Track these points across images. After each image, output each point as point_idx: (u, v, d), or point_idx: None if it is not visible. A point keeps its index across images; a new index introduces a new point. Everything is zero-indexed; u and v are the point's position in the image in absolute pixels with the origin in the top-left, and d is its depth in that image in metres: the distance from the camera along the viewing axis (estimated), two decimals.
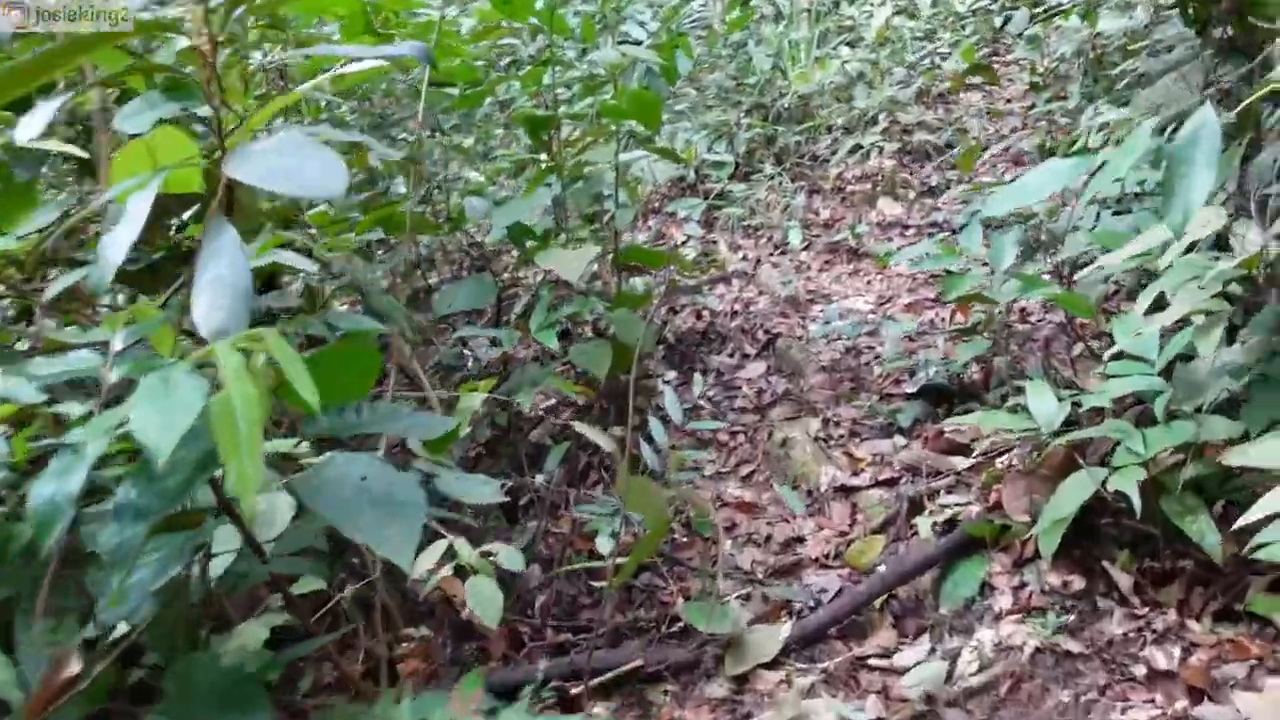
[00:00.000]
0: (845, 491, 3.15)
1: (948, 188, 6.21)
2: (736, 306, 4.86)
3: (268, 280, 2.88)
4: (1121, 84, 5.34)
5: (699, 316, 4.74)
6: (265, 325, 1.40)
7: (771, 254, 5.70)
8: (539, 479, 3.10)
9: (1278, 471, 1.84)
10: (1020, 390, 2.97)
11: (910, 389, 3.71)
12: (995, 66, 8.18)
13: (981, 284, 3.02)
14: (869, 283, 5.02)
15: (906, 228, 5.72)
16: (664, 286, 4.42)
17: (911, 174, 6.57)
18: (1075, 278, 3.09)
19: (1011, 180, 3.73)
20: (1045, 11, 8.17)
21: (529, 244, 3.32)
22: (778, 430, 3.52)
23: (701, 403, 3.93)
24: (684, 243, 6.02)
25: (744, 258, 5.73)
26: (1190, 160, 1.75)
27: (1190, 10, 3.34)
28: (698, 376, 3.91)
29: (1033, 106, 6.25)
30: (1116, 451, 2.44)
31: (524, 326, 3.23)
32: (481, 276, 3.30)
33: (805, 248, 5.61)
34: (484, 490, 2.13)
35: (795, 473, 3.32)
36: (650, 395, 3.87)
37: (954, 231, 5.48)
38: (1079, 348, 3.22)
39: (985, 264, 3.15)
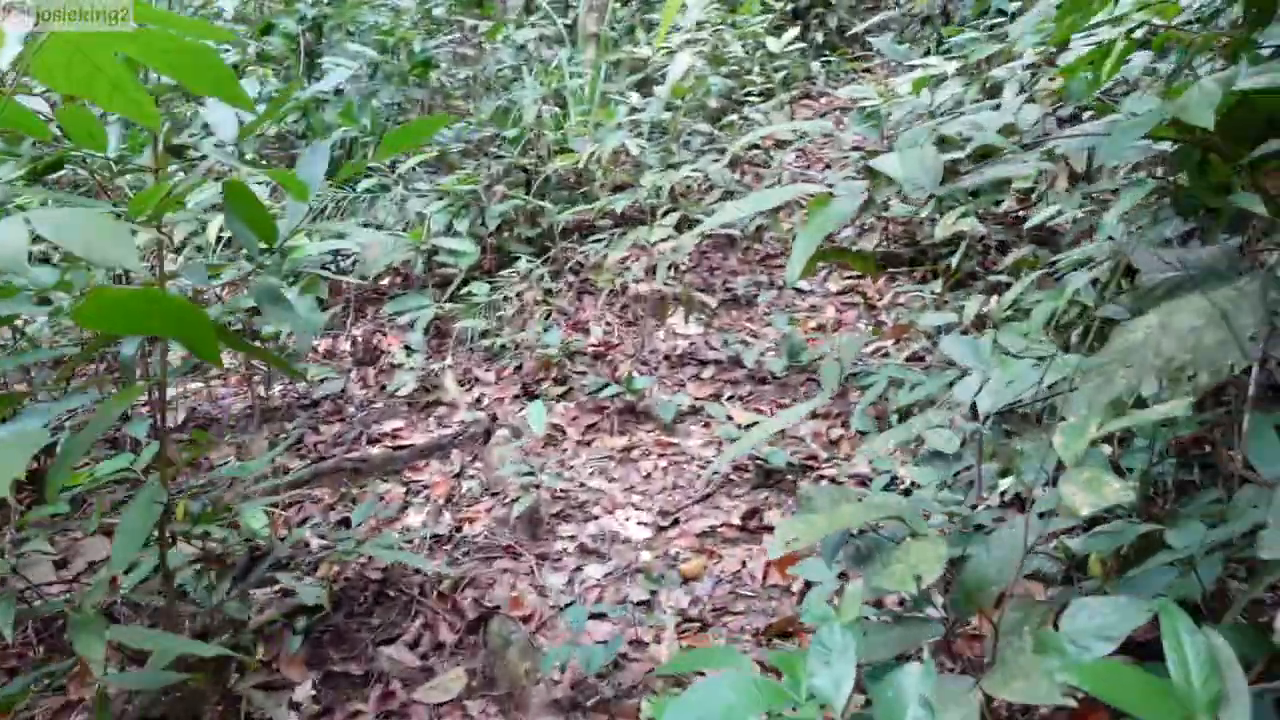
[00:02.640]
0: None
1: (753, 297, 4.60)
2: (444, 523, 3.05)
3: None
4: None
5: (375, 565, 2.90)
6: None
7: (517, 396, 3.92)
8: None
9: None
10: None
11: None
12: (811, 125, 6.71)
13: None
14: (648, 475, 3.32)
15: (704, 364, 4.06)
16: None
17: (713, 269, 4.95)
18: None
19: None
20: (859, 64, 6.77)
21: None
22: None
23: None
24: (400, 365, 4.16)
25: (478, 400, 3.93)
26: None
27: (1200, 172, 1.78)
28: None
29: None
30: None
31: None
32: None
33: (563, 394, 3.86)
34: None
35: None
36: None
37: (764, 381, 3.87)
38: None
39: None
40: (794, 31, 6.99)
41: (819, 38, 8.71)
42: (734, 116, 6.09)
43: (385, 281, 5.04)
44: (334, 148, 5.59)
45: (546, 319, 4.37)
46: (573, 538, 2.96)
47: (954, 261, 3.81)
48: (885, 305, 4.39)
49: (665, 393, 3.81)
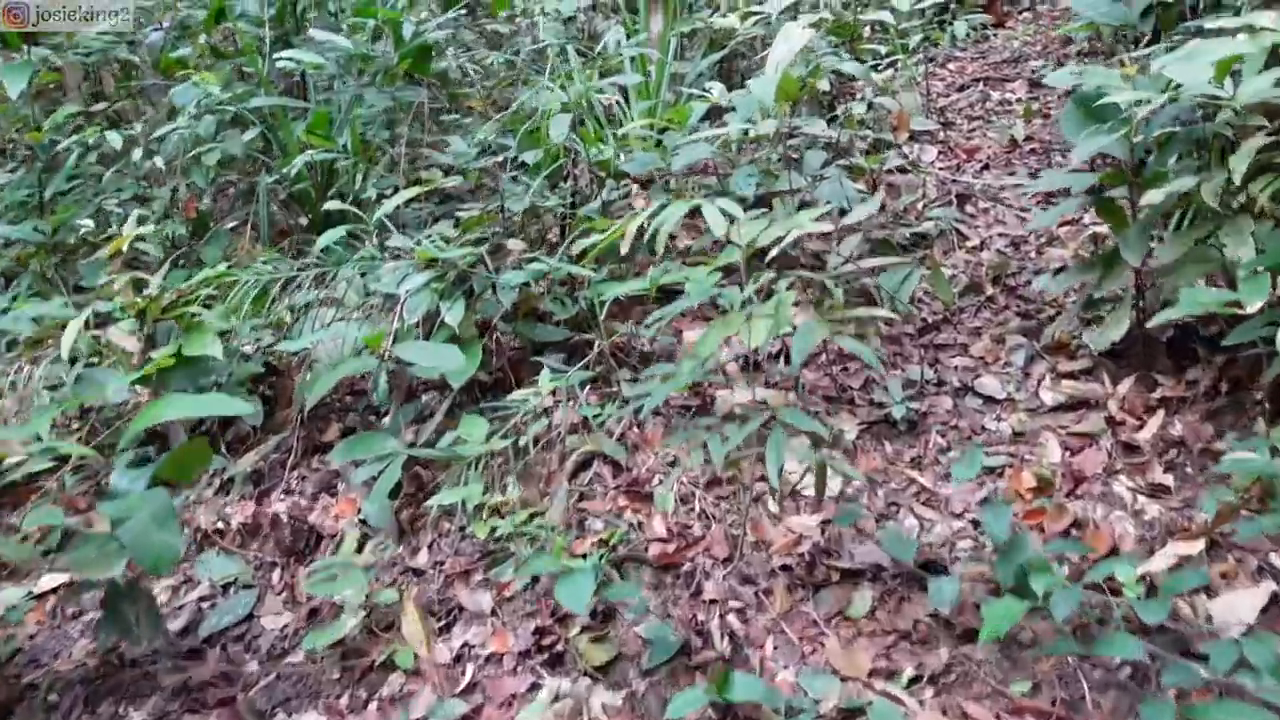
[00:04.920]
0: None
1: (916, 416, 2.77)
2: None
3: None
4: None
5: None
6: None
7: (524, 654, 2.17)
8: None
9: None
10: None
11: None
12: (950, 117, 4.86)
13: None
14: None
15: (852, 578, 2.24)
16: None
17: (844, 360, 3.11)
18: None
19: None
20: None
21: None
22: None
23: None
24: (346, 558, 2.43)
25: (458, 660, 2.20)
26: None
27: None
28: None
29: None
30: None
31: None
32: None
33: (605, 664, 2.09)
34: None
35: None
36: None
37: (968, 633, 2.03)
38: None
39: None
40: None
41: None
42: (852, 105, 4.21)
43: (362, 378, 3.32)
44: (303, 175, 3.89)
45: (581, 474, 2.61)
46: None
47: None
48: (1151, 442, 2.51)
49: (788, 655, 2.02)
